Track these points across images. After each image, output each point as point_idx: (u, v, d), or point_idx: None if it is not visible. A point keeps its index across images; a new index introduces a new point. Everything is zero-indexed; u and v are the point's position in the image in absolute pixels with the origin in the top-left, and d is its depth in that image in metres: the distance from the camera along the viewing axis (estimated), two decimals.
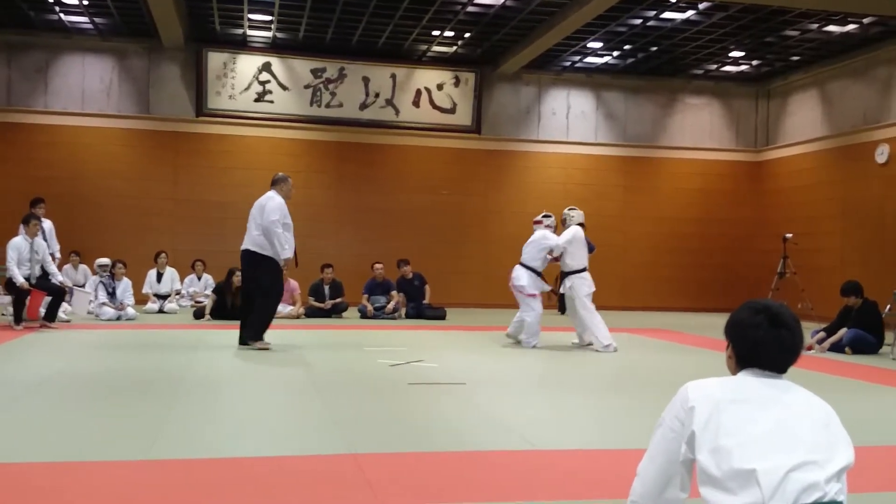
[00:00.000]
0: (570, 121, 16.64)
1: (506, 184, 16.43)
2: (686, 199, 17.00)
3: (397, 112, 15.77)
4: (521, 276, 8.63)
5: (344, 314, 12.67)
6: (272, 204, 7.88)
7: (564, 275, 8.84)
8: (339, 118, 15.50)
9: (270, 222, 7.77)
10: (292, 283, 12.54)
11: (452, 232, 16.03)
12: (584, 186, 16.29)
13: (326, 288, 12.70)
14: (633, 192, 16.88)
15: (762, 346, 2.04)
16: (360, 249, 14.82)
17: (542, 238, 8.78)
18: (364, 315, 12.35)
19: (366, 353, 7.82)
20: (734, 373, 2.13)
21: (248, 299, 7.98)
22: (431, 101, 15.90)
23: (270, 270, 7.86)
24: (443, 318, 12.74)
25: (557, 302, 13.57)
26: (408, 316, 12.71)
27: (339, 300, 12.51)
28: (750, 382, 2.04)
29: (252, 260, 7.88)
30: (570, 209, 9.09)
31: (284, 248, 7.80)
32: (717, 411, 1.95)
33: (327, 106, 15.47)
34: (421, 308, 12.79)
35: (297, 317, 12.16)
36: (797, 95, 16.21)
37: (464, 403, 5.33)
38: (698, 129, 17.11)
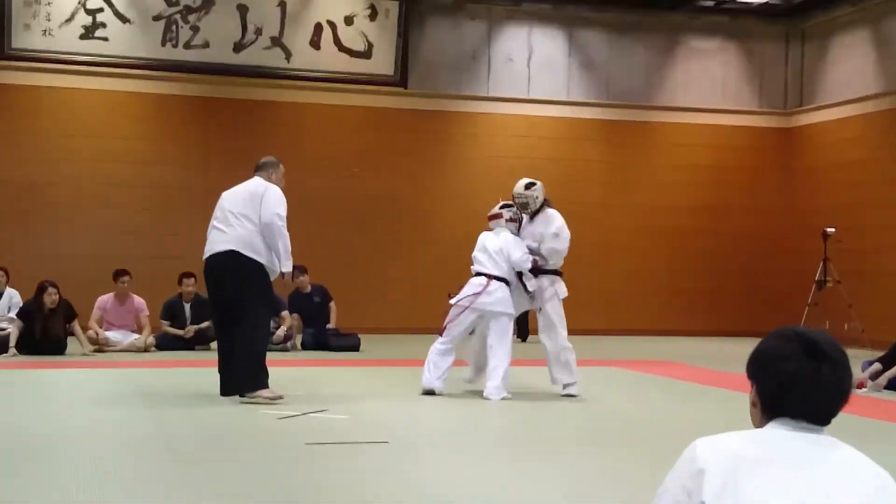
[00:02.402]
0: (532, 71, 16.74)
1: (443, 159, 16.42)
2: (692, 180, 17.27)
3: (288, 56, 15.71)
4: (500, 297, 8.56)
5: (213, 344, 12.53)
6: (273, 194, 7.99)
7: (534, 272, 8.80)
8: (204, 64, 15.39)
9: (275, 216, 7.87)
10: (136, 301, 12.41)
11: (367, 228, 15.95)
12: (553, 162, 16.35)
13: (187, 307, 12.69)
14: (619, 170, 17.07)
15: (795, 386, 2.10)
16: None
17: (514, 243, 8.70)
18: None
19: (246, 400, 7.83)
20: (759, 424, 2.19)
21: (223, 327, 8.00)
22: (337, 41, 15.86)
23: (261, 285, 7.94)
24: (355, 348, 12.83)
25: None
26: (305, 346, 12.83)
27: (205, 324, 12.40)
28: (779, 438, 2.10)
29: (236, 266, 7.89)
30: (528, 186, 9.00)
31: (288, 257, 7.95)
32: (734, 477, 2.00)
33: (187, 46, 15.30)
34: (323, 335, 12.92)
35: (145, 349, 12.14)
36: (842, 37, 16.63)
37: (385, 470, 5.36)
38: (708, 83, 17.41)
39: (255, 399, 7.72)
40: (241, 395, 7.79)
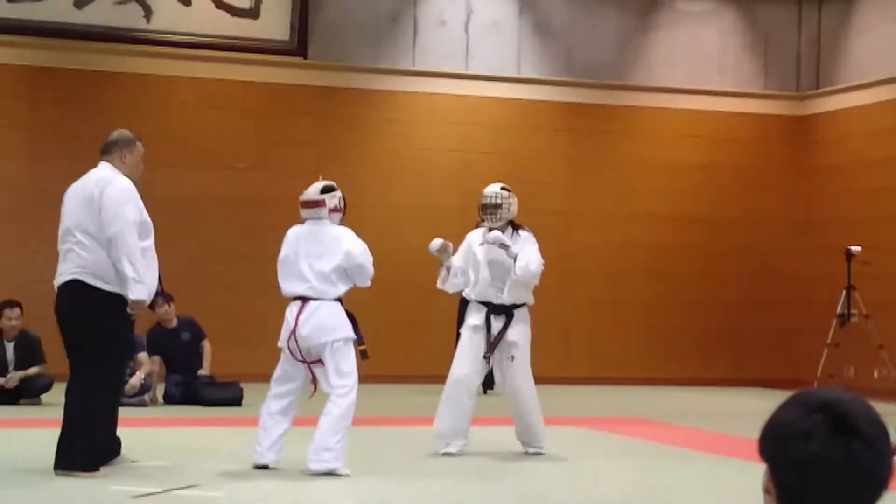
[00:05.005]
0: (471, 37, 16.76)
1: (354, 151, 16.37)
2: (677, 182, 17.39)
3: (148, 14, 15.63)
4: (323, 321, 8.44)
5: (45, 396, 12.52)
6: (116, 190, 7.92)
7: (497, 311, 9.18)
8: (36, 23, 15.25)
9: (122, 225, 7.81)
10: None
11: (254, 240, 15.74)
12: (497, 157, 16.36)
13: (10, 347, 12.60)
14: (583, 168, 17.13)
15: (820, 473, 2.13)
16: None
17: (348, 235, 8.61)
18: None
19: (102, 475, 7.78)
20: None
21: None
22: None
23: (111, 319, 7.92)
24: (236, 401, 12.89)
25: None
26: (169, 398, 12.91)
27: (34, 370, 12.50)
28: None
29: (74, 302, 7.97)
30: (502, 193, 9.43)
31: (142, 279, 7.88)
32: None
33: (13, 0, 15.00)
34: (193, 384, 12.99)
35: None
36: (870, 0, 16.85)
37: None
38: (698, 57, 17.56)
39: (79, 476, 7.73)
40: (69, 470, 7.80)
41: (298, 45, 16.04)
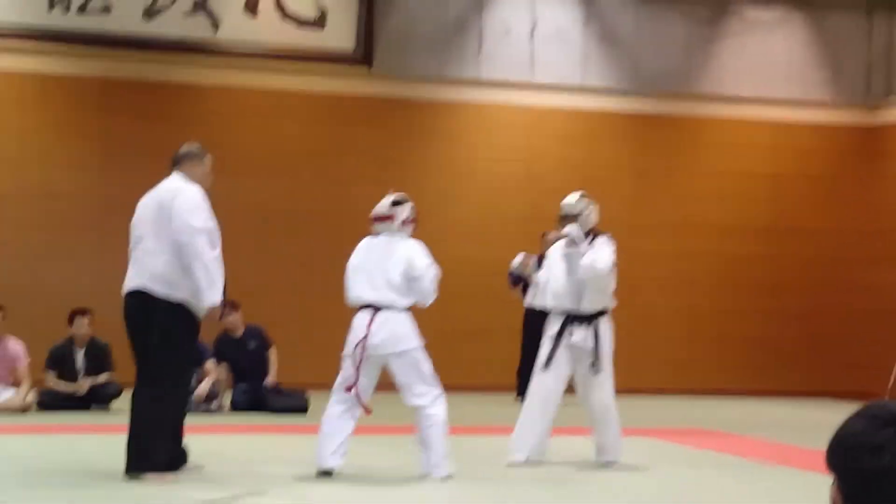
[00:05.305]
0: (536, 47, 16.72)
1: (419, 162, 16.42)
2: (744, 192, 17.30)
3: (216, 25, 15.72)
4: (393, 330, 8.49)
5: (114, 403, 12.56)
6: (187, 200, 8.03)
7: (577, 320, 9.19)
8: (105, 34, 15.33)
9: (193, 232, 7.90)
10: (12, 346, 12.35)
11: (320, 250, 15.83)
12: (562, 167, 16.36)
13: (80, 354, 12.68)
14: (649, 178, 17.09)
15: (890, 484, 2.14)
16: None
17: (416, 250, 8.68)
18: None
19: (176, 481, 7.82)
20: None
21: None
22: (280, 5, 15.86)
23: (177, 327, 8.01)
24: (302, 409, 12.89)
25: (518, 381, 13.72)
26: (236, 406, 12.94)
27: (103, 377, 12.55)
28: None
29: (144, 310, 8.05)
30: (580, 203, 9.46)
31: (214, 284, 7.93)
32: None
33: (81, 10, 15.20)
34: (260, 392, 13.03)
35: (24, 409, 12.13)
36: None
37: None
38: (767, 66, 17.42)
39: (144, 480, 7.82)
40: (137, 473, 7.90)
41: (364, 54, 16.06)
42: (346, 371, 8.47)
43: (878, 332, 16.45)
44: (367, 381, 8.41)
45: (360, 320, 8.37)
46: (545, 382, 9.12)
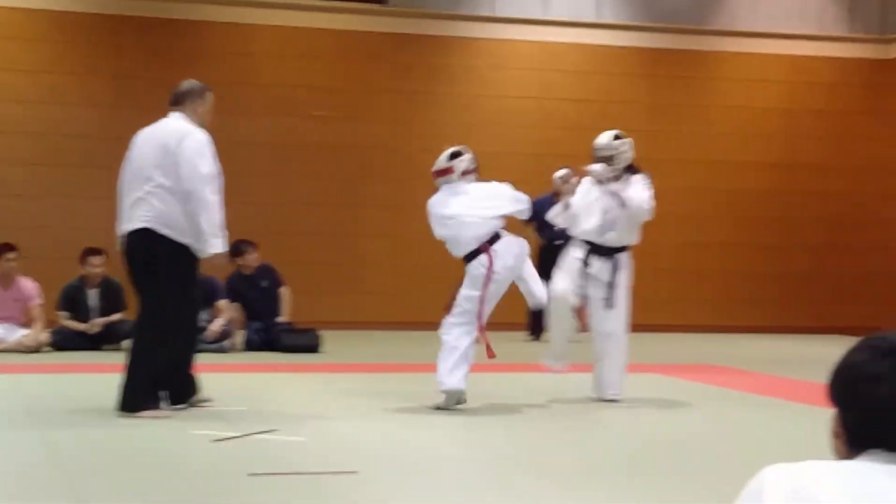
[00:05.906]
0: None
1: (434, 99, 16.42)
2: (760, 127, 17.28)
3: None
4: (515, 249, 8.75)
5: (126, 342, 12.55)
6: (192, 146, 7.85)
7: (600, 252, 9.19)
8: None
9: (201, 179, 7.79)
10: (25, 286, 12.42)
11: (333, 188, 15.94)
12: (577, 104, 16.38)
13: (92, 294, 12.74)
14: (664, 115, 17.05)
15: (890, 415, 2.14)
16: None
17: (492, 187, 8.94)
18: None
19: (170, 417, 7.89)
20: (845, 458, 2.22)
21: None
22: None
23: (181, 271, 7.96)
24: (313, 348, 12.95)
25: (530, 317, 13.74)
26: (249, 345, 12.95)
27: (116, 317, 12.62)
28: (870, 474, 2.12)
29: (146, 250, 7.94)
30: (612, 144, 9.39)
31: (218, 233, 7.90)
32: None
33: None
34: (272, 331, 13.03)
35: (37, 348, 12.19)
36: None
37: None
38: (782, 0, 17.32)
39: (137, 417, 7.83)
40: (130, 411, 7.90)
41: None
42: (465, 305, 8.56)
43: (891, 267, 16.47)
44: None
45: (479, 260, 8.50)
46: (562, 286, 9.06)
